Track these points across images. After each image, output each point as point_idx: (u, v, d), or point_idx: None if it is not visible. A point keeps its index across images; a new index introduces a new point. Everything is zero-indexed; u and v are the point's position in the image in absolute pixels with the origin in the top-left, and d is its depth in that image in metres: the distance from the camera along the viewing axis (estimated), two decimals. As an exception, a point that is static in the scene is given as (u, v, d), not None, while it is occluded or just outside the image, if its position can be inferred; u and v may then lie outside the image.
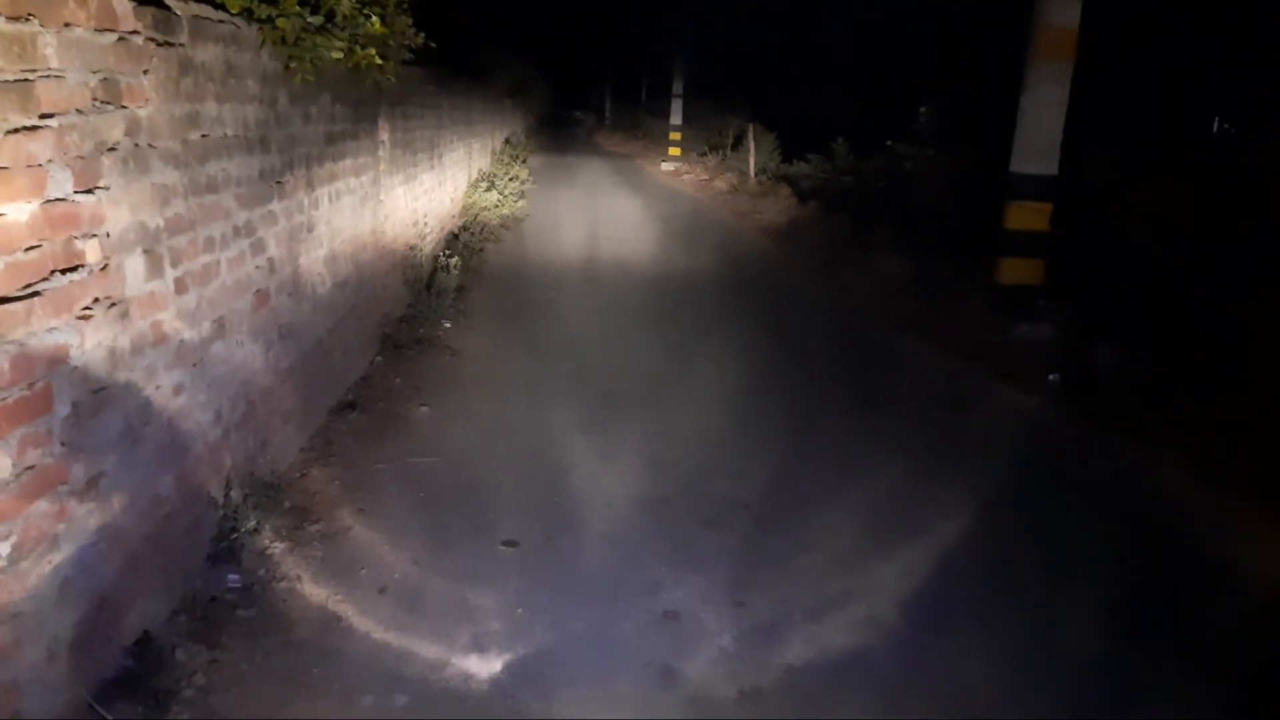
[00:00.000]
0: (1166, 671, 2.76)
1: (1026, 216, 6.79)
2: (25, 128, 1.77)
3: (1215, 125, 11.32)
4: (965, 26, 11.83)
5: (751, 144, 16.46)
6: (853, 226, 10.26)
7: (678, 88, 22.28)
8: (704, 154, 20.39)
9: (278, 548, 3.11)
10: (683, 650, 2.75)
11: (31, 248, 1.79)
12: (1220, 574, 3.39)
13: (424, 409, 4.70)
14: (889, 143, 10.95)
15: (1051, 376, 5.63)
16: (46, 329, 1.85)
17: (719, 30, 21.05)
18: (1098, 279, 6.85)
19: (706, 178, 18.01)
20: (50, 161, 1.86)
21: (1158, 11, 9.51)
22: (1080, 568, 3.38)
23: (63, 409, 1.91)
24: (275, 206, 3.46)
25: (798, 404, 5.12)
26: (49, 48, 1.85)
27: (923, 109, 10.54)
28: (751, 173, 16.10)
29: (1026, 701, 2.60)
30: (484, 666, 2.62)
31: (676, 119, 22.35)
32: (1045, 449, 4.65)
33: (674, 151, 21.91)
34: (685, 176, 19.09)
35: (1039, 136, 6.67)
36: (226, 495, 2.96)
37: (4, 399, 1.70)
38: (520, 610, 2.92)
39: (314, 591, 2.93)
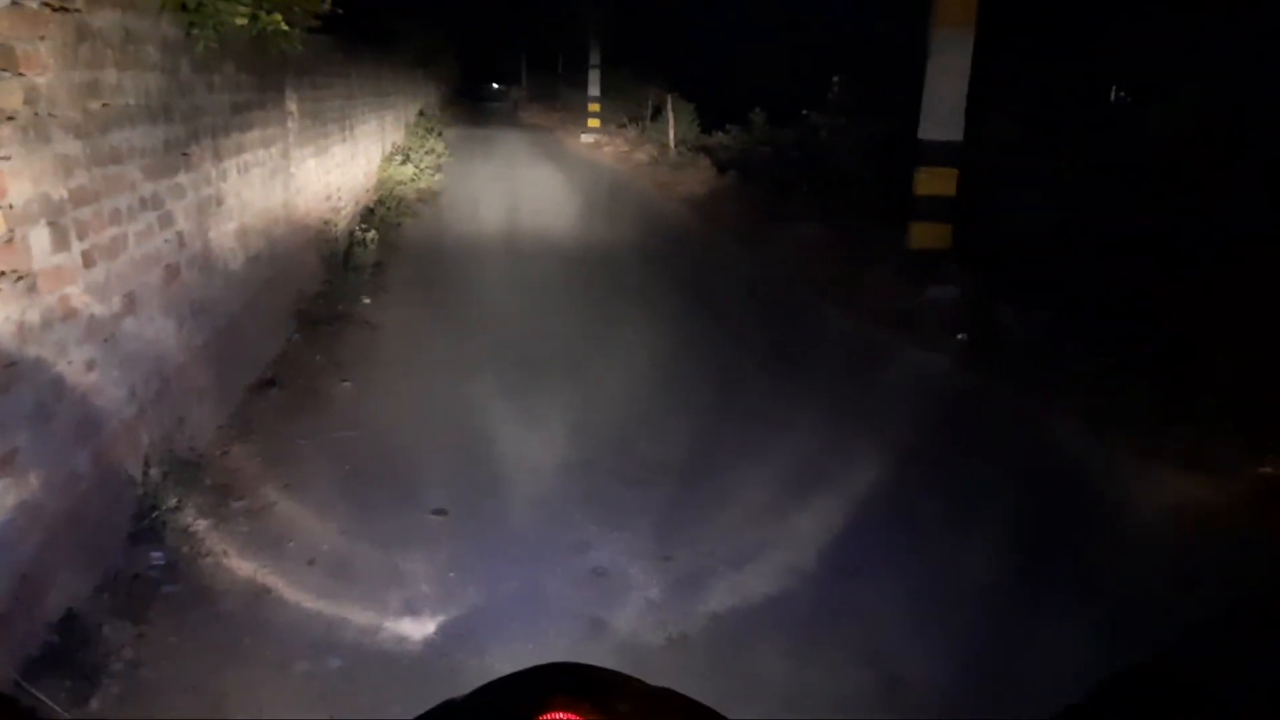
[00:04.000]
0: (1056, 599, 2.98)
1: (934, 182, 7.03)
2: (-83, 95, 1.71)
3: (1113, 94, 11.86)
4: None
5: (670, 115, 16.50)
6: (770, 195, 10.45)
7: (595, 58, 22.04)
8: (623, 125, 20.32)
9: (201, 525, 3.08)
10: (611, 603, 2.85)
11: (-69, 219, 1.75)
12: (1106, 511, 3.64)
13: (345, 384, 4.66)
14: (804, 113, 11.14)
15: (960, 336, 5.90)
16: (-49, 302, 1.81)
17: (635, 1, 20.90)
18: (1000, 243, 7.16)
19: (626, 149, 17.99)
20: (-54, 130, 1.80)
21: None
22: (982, 510, 3.60)
23: (-28, 384, 1.87)
24: (182, 179, 3.38)
25: (717, 367, 5.25)
26: (-62, 12, 1.79)
27: (836, 79, 10.74)
28: (671, 144, 16.16)
29: (932, 632, 2.78)
30: (417, 628, 2.67)
31: (595, 90, 22.14)
32: (951, 403, 4.89)
33: (593, 123, 21.74)
34: (605, 148, 19.02)
35: (944, 103, 6.88)
36: (145, 473, 2.92)
37: (-90, 374, 1.67)
38: (451, 574, 2.97)
39: (240, 566, 2.93)
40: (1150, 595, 3.03)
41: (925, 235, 7.17)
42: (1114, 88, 11.88)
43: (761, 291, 7.39)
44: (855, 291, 6.97)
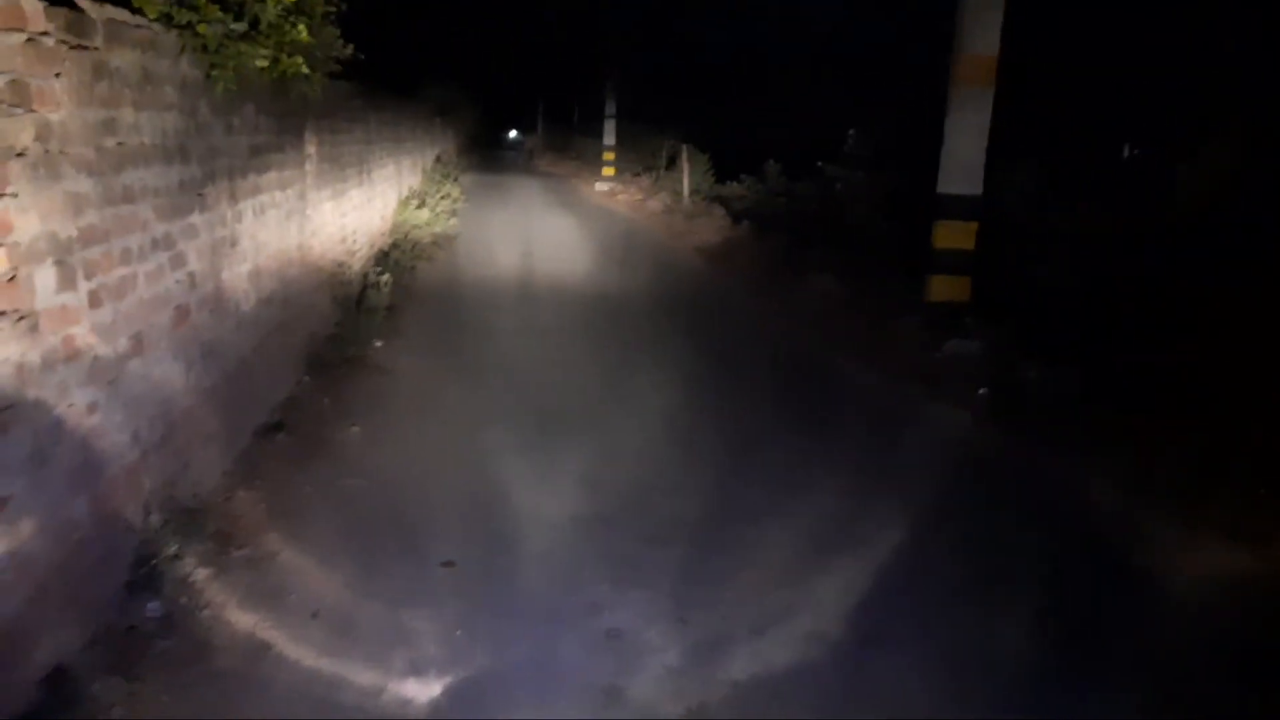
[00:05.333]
0: (1091, 670, 2.82)
1: (953, 235, 6.98)
2: (-76, 127, 1.66)
3: (1126, 150, 11.92)
4: (890, 52, 12.18)
5: (685, 165, 16.60)
6: (786, 246, 10.41)
7: (610, 108, 22.36)
8: (638, 174, 20.49)
9: (201, 574, 2.97)
10: (627, 669, 2.70)
11: (-70, 255, 1.68)
12: (1139, 579, 3.47)
13: (354, 430, 4.56)
14: (819, 164, 11.18)
15: (981, 390, 5.77)
16: (-54, 342, 1.73)
17: (651, 51, 21.22)
18: (1021, 296, 7.08)
19: (641, 198, 18.09)
20: (-48, 164, 1.74)
21: (1078, 41, 9.92)
22: (1011, 575, 3.44)
23: (-36, 428, 1.79)
24: (196, 219, 3.33)
25: (734, 422, 5.13)
26: (-49, 44, 1.74)
27: (851, 132, 10.80)
28: (685, 193, 16.23)
29: (962, 706, 2.63)
30: (422, 691, 2.54)
31: (610, 139, 22.43)
32: (976, 461, 4.73)
33: (608, 172, 21.97)
34: (619, 196, 19.14)
35: (963, 158, 6.87)
36: (145, 520, 2.81)
37: (-103, 417, 1.58)
38: (459, 632, 2.83)
39: (240, 619, 2.80)
40: (1192, 668, 2.87)
41: (944, 288, 7.09)
42: (1127, 145, 11.95)
43: (777, 343, 7.29)
44: (873, 344, 6.86)
